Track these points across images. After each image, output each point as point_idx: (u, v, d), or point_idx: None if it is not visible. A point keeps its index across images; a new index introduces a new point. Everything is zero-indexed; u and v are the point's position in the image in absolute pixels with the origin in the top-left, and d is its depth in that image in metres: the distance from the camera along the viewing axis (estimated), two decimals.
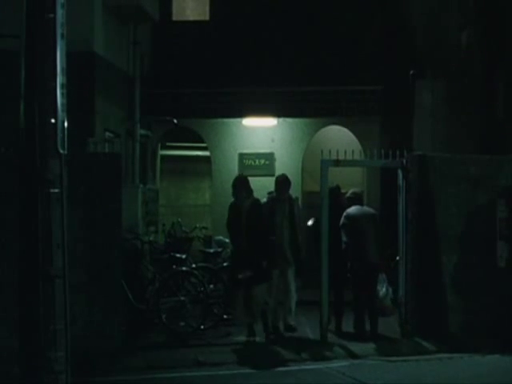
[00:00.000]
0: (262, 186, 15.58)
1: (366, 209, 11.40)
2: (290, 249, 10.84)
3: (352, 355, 9.86)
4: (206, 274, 11.66)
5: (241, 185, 10.67)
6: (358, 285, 11.00)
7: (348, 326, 11.15)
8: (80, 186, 9.16)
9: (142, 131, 14.82)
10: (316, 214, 11.26)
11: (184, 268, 11.29)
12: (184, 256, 11.54)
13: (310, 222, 11.90)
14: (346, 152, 10.65)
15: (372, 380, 8.68)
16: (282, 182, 11.26)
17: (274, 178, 15.63)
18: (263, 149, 16.08)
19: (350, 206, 11.19)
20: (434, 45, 15.26)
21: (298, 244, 10.89)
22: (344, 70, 15.46)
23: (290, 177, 15.62)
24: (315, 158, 11.67)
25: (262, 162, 16.05)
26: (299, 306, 13.16)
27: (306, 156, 16.07)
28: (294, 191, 15.80)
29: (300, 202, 15.68)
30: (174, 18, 16.31)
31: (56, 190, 5.42)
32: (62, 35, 5.45)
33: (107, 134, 13.09)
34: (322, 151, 10.67)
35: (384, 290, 11.08)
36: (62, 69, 5.47)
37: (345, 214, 11.03)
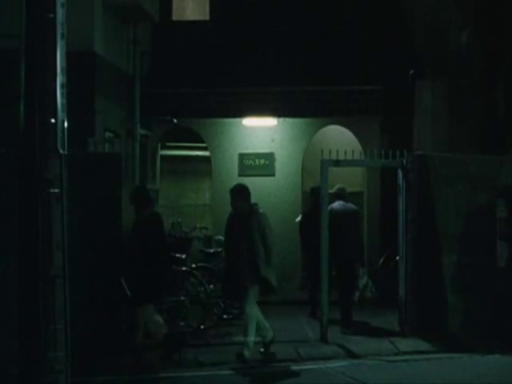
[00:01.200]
0: (262, 186, 15.65)
1: (348, 205, 11.84)
2: (250, 269, 9.52)
3: (352, 355, 9.86)
4: (205, 274, 11.66)
5: (135, 196, 9.77)
6: (340, 277, 11.53)
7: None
8: (80, 186, 9.15)
9: (142, 131, 14.81)
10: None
11: (184, 268, 11.28)
12: (184, 256, 11.54)
13: (298, 219, 12.99)
14: (345, 152, 10.66)
15: (372, 380, 8.69)
16: (233, 193, 9.93)
17: (274, 178, 15.87)
18: (263, 149, 16.07)
19: (334, 201, 11.71)
20: (433, 44, 15.25)
21: (257, 263, 9.48)
22: (344, 69, 15.45)
23: (289, 177, 15.87)
24: (315, 158, 11.69)
25: (262, 161, 16.03)
26: (298, 306, 13.25)
27: (306, 156, 16.06)
28: (295, 191, 15.91)
29: (298, 204, 15.69)
30: (174, 18, 16.30)
31: (56, 190, 5.41)
32: (62, 35, 5.45)
33: (107, 133, 13.08)
34: (322, 151, 10.68)
35: (364, 281, 11.82)
36: (62, 69, 5.46)
37: (329, 208, 11.28)
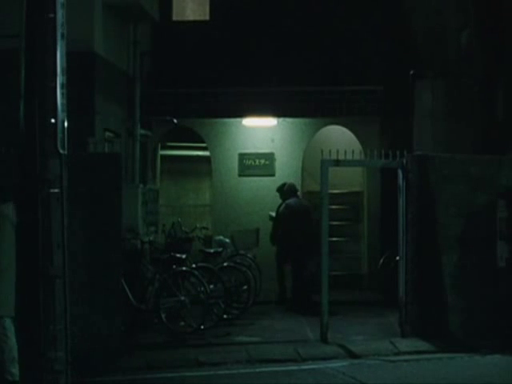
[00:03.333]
0: (262, 186, 15.67)
1: (302, 200, 13.44)
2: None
3: (352, 355, 9.85)
4: (205, 274, 11.66)
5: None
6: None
7: None
8: (80, 186, 9.15)
9: (142, 131, 14.80)
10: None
11: (184, 268, 11.29)
12: (184, 256, 11.54)
13: (272, 213, 13.92)
14: (345, 152, 10.66)
15: (372, 380, 8.68)
16: None
17: (274, 178, 15.86)
18: (263, 149, 16.06)
19: (289, 198, 13.24)
20: (433, 45, 15.25)
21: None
22: (344, 69, 15.45)
23: (289, 177, 15.87)
24: (315, 158, 11.69)
25: (262, 161, 16.02)
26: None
27: (306, 156, 16.06)
28: None
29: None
30: (174, 18, 16.29)
31: (56, 190, 5.42)
32: (62, 35, 5.46)
33: (107, 133, 13.08)
34: (322, 151, 10.68)
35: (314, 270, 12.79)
36: (62, 69, 5.48)
37: (284, 204, 13.09)
